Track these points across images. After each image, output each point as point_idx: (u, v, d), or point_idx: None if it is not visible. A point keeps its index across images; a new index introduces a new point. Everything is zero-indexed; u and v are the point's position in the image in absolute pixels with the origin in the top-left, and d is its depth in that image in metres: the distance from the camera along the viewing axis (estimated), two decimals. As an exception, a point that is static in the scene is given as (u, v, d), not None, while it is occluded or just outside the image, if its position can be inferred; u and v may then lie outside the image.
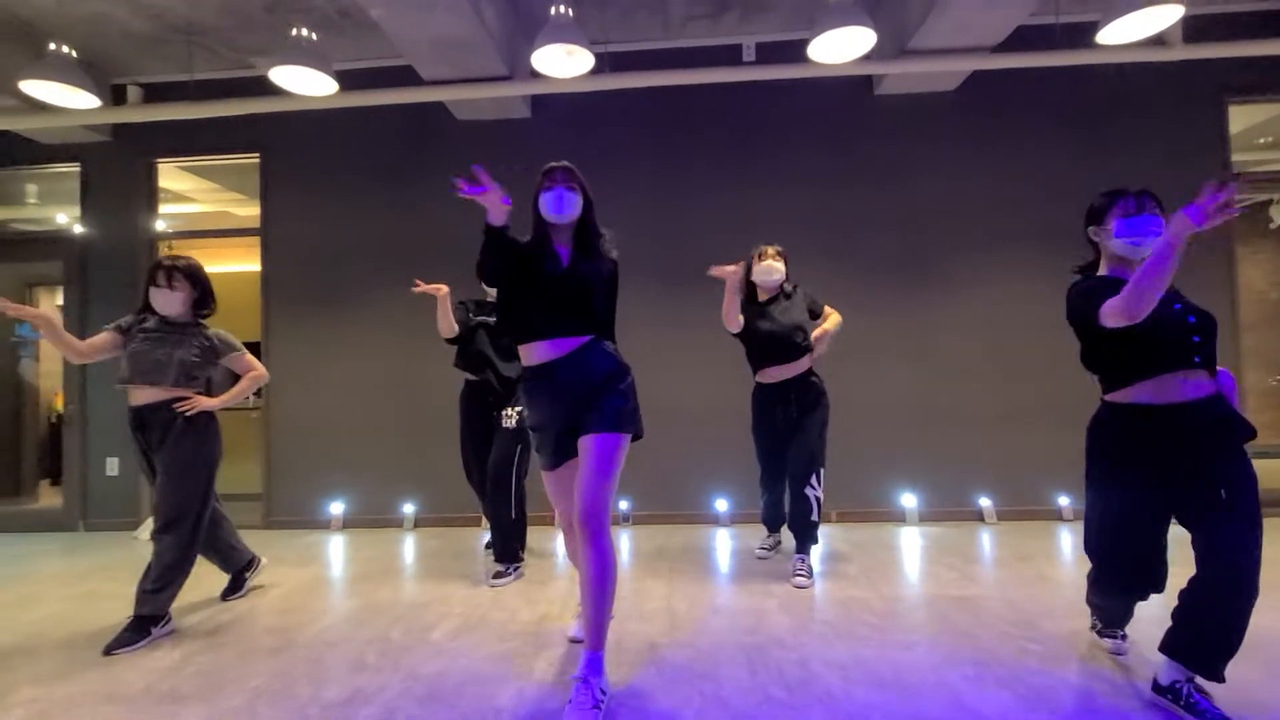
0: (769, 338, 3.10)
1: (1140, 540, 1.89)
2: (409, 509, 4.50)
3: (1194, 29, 4.00)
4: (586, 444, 1.94)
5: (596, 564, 1.87)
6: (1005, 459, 4.24)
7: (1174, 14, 2.92)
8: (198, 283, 2.75)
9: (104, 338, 2.62)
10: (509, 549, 3.21)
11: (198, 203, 6.04)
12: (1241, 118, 4.58)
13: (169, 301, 2.66)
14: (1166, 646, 1.80)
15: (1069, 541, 3.79)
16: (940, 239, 4.34)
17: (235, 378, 2.83)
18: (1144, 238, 1.87)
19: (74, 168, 4.77)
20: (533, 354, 2.04)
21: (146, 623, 2.51)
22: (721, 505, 4.33)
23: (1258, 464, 4.73)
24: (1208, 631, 1.71)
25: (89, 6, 3.87)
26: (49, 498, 5.91)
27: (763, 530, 3.67)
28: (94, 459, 4.71)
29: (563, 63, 3.26)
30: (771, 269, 3.11)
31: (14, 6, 3.84)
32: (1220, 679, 1.70)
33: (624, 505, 4.39)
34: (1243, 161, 5.00)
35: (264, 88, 4.35)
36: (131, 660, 2.36)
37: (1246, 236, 6.86)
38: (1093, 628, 2.30)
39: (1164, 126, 4.22)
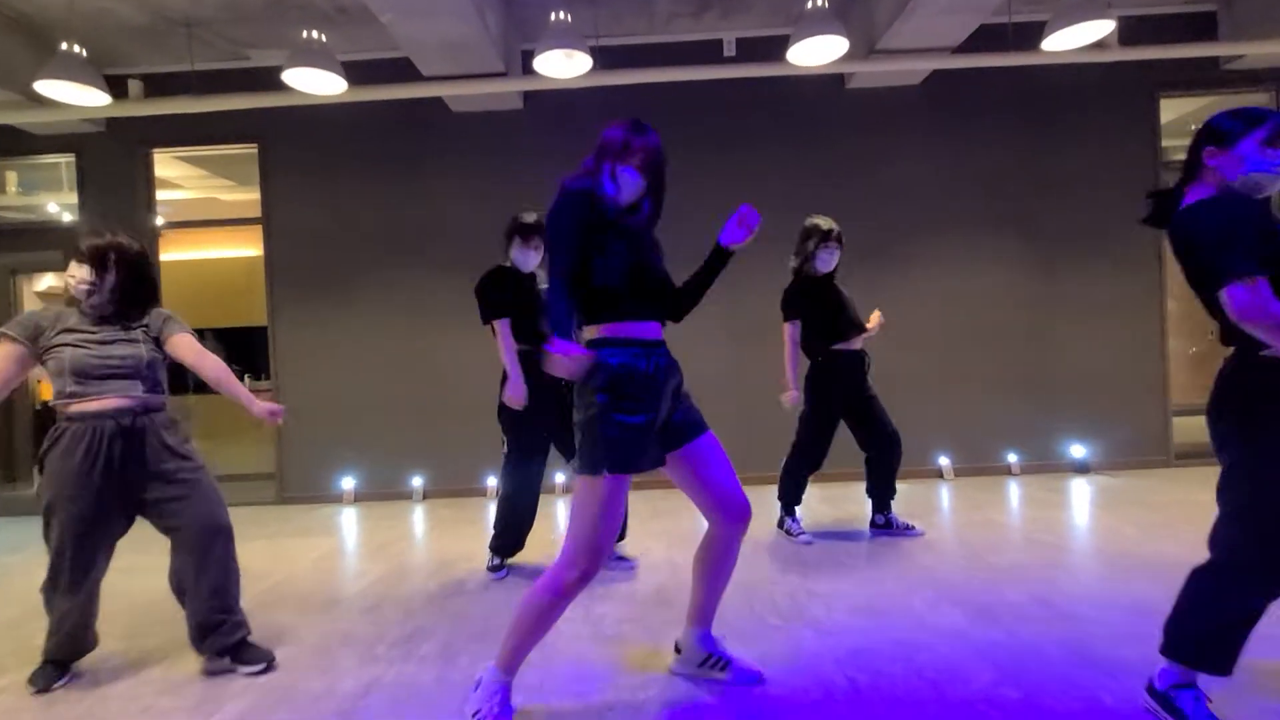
0: (851, 308, 3.34)
1: None
2: (417, 482, 4.80)
3: (1128, 30, 4.41)
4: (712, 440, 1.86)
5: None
6: (960, 420, 4.72)
7: (1106, 28, 3.32)
8: None
9: None
10: None
11: (186, 189, 6.11)
12: (1174, 108, 5.05)
13: None
14: None
15: (1015, 493, 4.29)
16: (903, 223, 4.74)
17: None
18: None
19: (69, 158, 4.84)
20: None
21: None
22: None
23: (1179, 421, 5.28)
24: None
25: (90, 2, 3.95)
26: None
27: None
28: (106, 442, 4.88)
29: (562, 65, 3.52)
30: (835, 255, 3.30)
31: (16, 2, 3.91)
32: None
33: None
34: (1175, 146, 5.51)
35: (263, 79, 4.49)
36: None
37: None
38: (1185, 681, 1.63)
39: (1103, 119, 4.66)
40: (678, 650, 2.03)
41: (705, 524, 1.91)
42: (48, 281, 7.37)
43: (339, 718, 1.85)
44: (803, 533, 3.37)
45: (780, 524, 3.47)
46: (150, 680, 2.14)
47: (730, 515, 1.84)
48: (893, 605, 2.48)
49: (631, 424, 1.66)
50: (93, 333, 2.10)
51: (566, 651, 2.19)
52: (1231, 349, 1.60)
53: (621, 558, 3.05)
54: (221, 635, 2.12)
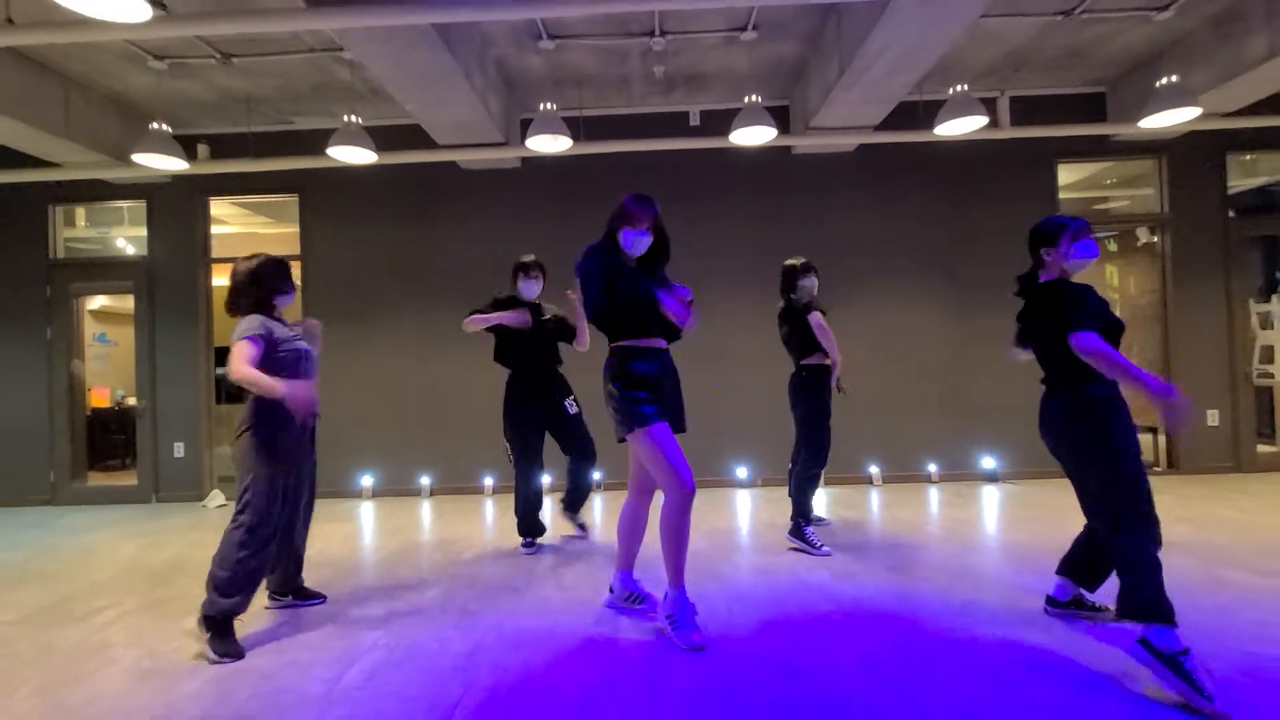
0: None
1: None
2: (425, 481, 5.64)
3: (1027, 107, 5.28)
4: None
5: None
6: (889, 434, 5.52)
7: (981, 121, 4.17)
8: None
9: None
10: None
11: (230, 225, 7.05)
12: (1073, 172, 5.90)
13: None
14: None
15: (931, 497, 5.07)
16: (843, 269, 5.57)
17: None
18: (1093, 255, 2.40)
19: (140, 203, 5.77)
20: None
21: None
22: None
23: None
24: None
25: (171, 85, 4.89)
26: (97, 479, 6.88)
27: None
28: (163, 443, 5.76)
29: (549, 144, 4.40)
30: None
31: (114, 84, 4.85)
32: None
33: (596, 475, 5.57)
34: (1071, 200, 6.35)
35: (306, 140, 5.41)
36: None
37: (1123, 253, 8.23)
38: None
39: (1007, 182, 5.50)
40: (611, 590, 2.85)
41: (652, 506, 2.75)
42: (100, 301, 8.34)
43: (370, 628, 2.68)
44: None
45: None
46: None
47: (649, 490, 2.68)
48: (785, 570, 3.29)
49: (640, 398, 2.46)
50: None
51: (535, 595, 3.01)
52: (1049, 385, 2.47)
53: (582, 525, 3.90)
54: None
